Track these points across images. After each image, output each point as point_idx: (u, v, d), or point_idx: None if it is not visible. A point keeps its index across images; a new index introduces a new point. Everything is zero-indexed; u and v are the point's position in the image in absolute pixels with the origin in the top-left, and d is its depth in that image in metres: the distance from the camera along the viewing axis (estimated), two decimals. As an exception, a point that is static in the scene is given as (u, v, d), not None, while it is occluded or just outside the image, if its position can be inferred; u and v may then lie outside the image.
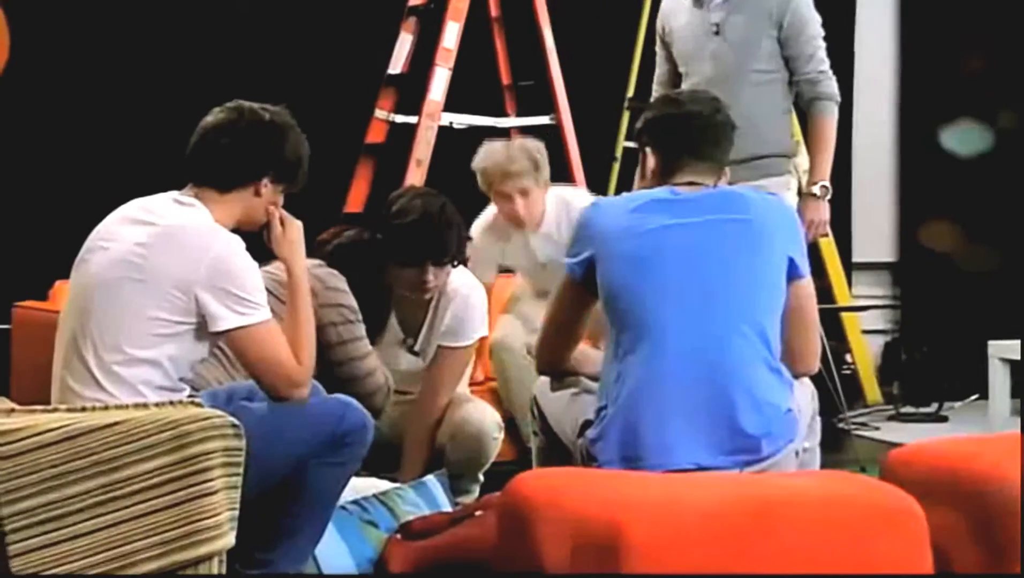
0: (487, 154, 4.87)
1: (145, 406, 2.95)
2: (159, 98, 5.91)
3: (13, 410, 2.90)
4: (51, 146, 5.92)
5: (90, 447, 2.77)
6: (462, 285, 4.21)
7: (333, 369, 3.84)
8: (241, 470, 2.89)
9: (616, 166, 6.91)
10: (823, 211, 4.48)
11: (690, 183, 3.30)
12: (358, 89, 6.26)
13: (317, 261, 3.93)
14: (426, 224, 4.04)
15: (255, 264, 3.16)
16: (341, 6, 6.42)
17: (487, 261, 4.86)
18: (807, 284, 3.32)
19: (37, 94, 5.89)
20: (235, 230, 3.23)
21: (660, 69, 4.80)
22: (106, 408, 2.93)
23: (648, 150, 3.39)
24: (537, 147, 4.86)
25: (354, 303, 3.91)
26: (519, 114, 6.51)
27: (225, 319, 3.09)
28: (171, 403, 2.96)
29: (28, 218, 5.80)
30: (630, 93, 6.94)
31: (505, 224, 4.88)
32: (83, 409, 2.91)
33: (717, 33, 4.52)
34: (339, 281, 3.90)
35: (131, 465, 2.79)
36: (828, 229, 4.66)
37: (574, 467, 3.26)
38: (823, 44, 4.54)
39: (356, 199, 6.19)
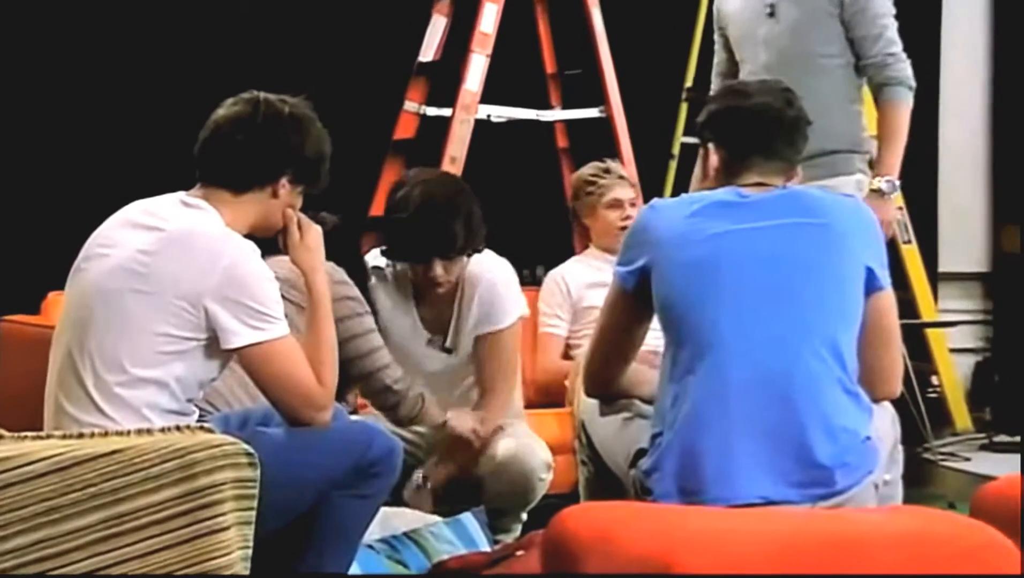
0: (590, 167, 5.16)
1: (149, 432, 2.95)
2: (164, 90, 5.93)
3: (1, 437, 2.91)
4: (43, 145, 5.95)
5: (87, 478, 2.77)
6: (483, 270, 4.24)
7: (346, 367, 3.86)
8: (255, 503, 2.89)
9: (673, 164, 6.91)
10: (889, 209, 4.45)
11: (757, 184, 3.30)
12: (385, 79, 6.28)
13: None
14: (427, 216, 4.07)
15: (271, 273, 3.17)
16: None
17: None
18: (887, 296, 3.30)
19: (27, 89, 5.92)
20: (249, 236, 3.24)
21: (718, 57, 4.82)
22: (105, 434, 2.94)
23: (710, 147, 3.39)
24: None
25: (358, 294, 3.91)
26: (565, 106, 6.52)
27: (239, 334, 3.09)
28: (178, 428, 2.96)
29: (18, 223, 5.82)
30: (689, 83, 6.94)
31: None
32: (80, 435, 2.92)
33: (771, 15, 4.54)
34: (342, 273, 3.91)
35: (133, 498, 2.79)
36: (907, 232, 4.63)
37: (626, 501, 3.24)
38: (893, 23, 4.52)
39: (383, 201, 6.19)
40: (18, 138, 5.92)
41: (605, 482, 3.43)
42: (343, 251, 3.99)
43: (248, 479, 2.88)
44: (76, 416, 3.09)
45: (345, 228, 4.09)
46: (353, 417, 3.87)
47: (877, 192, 4.44)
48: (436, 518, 3.90)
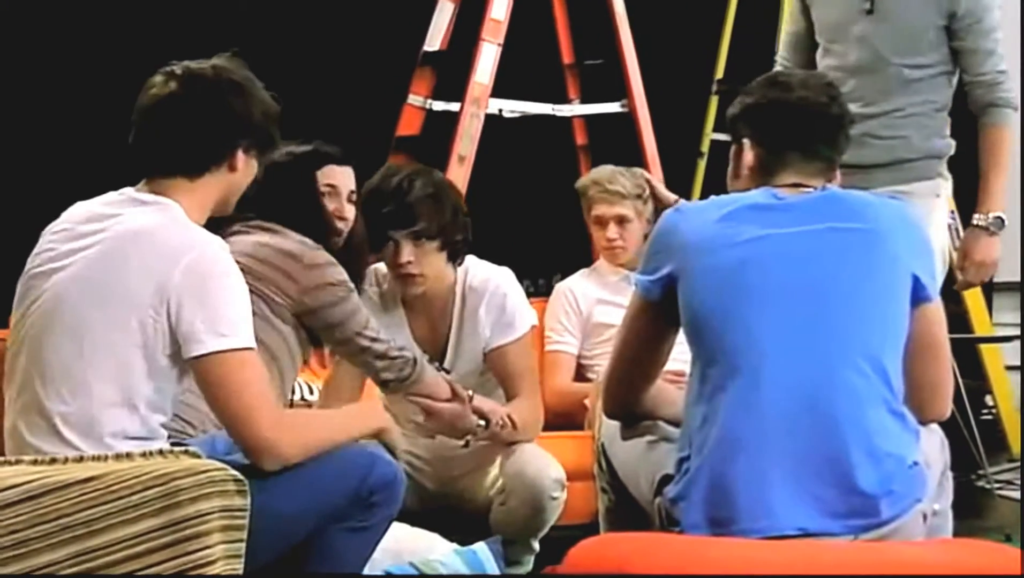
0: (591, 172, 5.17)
1: (128, 456, 2.94)
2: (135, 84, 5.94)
3: (-33, 463, 2.91)
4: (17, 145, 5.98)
5: (60, 508, 2.77)
6: (485, 280, 4.28)
7: (342, 349, 3.94)
8: (245, 535, 2.89)
9: (702, 163, 6.91)
10: (993, 250, 4.39)
11: (795, 185, 3.29)
12: (387, 70, 6.28)
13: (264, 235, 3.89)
14: (383, 190, 4.16)
15: (239, 273, 3.14)
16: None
17: None
18: (936, 309, 3.29)
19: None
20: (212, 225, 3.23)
21: (791, 27, 4.75)
22: (80, 459, 2.93)
23: (745, 143, 3.38)
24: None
25: (341, 275, 3.88)
26: (584, 100, 6.52)
27: (202, 342, 3.05)
28: (160, 453, 2.95)
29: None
30: (719, 75, 6.94)
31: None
32: (52, 461, 2.92)
33: (870, 12, 4.47)
34: (318, 254, 3.87)
35: (111, 529, 2.79)
36: (959, 239, 4.58)
37: (650, 532, 3.24)
38: (1001, 36, 4.44)
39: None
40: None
41: (627, 512, 3.43)
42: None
43: (237, 508, 2.88)
44: (40, 447, 3.07)
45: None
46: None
47: (981, 229, 4.39)
48: (449, 545, 3.90)
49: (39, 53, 6.04)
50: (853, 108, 4.28)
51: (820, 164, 3.33)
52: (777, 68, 4.72)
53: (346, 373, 4.24)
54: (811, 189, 3.29)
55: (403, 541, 3.83)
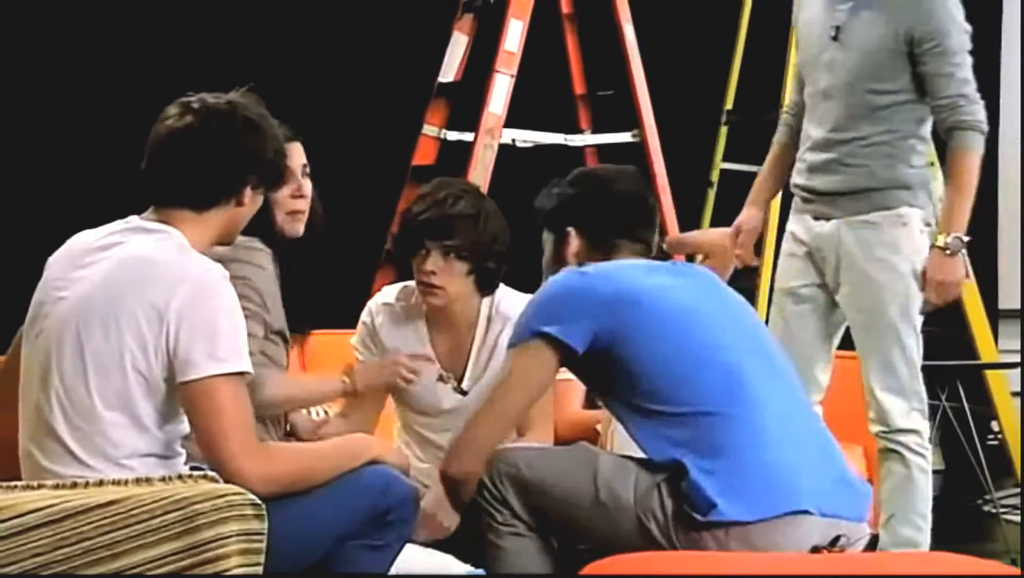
0: None
1: (148, 481, 2.94)
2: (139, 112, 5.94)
3: (-10, 486, 2.90)
4: (25, 171, 5.98)
5: (81, 531, 2.76)
6: (510, 306, 4.22)
7: None
8: (263, 558, 2.88)
9: (712, 192, 6.90)
10: (952, 270, 4.34)
11: None
12: (403, 101, 6.28)
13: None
14: (430, 197, 4.13)
15: (237, 301, 3.13)
16: (382, 1, 6.45)
17: None
18: None
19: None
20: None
21: (795, 98, 4.73)
22: (100, 483, 2.93)
23: (571, 231, 3.61)
24: None
25: (264, 288, 3.76)
26: (596, 130, 6.52)
27: (197, 366, 3.04)
28: (179, 477, 2.95)
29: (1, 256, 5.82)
30: (729, 106, 6.93)
31: None
32: (73, 485, 2.91)
33: (835, 38, 4.44)
34: (258, 256, 3.77)
35: (131, 552, 2.78)
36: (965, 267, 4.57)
37: (657, 552, 3.22)
38: (968, 60, 4.38)
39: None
40: None
41: (540, 540, 3.37)
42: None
43: (255, 532, 2.87)
44: (57, 471, 3.06)
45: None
46: None
47: (941, 249, 4.33)
48: (463, 566, 3.88)
49: (50, 76, 6.05)
50: (822, 133, 4.45)
51: (648, 247, 3.60)
52: (793, 95, 4.71)
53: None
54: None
55: (417, 562, 3.81)
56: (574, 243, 3.59)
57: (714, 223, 6.54)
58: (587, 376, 3.48)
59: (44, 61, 6.09)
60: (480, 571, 3.78)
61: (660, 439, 3.27)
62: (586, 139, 6.47)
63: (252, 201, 3.28)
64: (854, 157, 4.41)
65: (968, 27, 4.38)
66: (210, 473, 2.99)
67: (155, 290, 3.06)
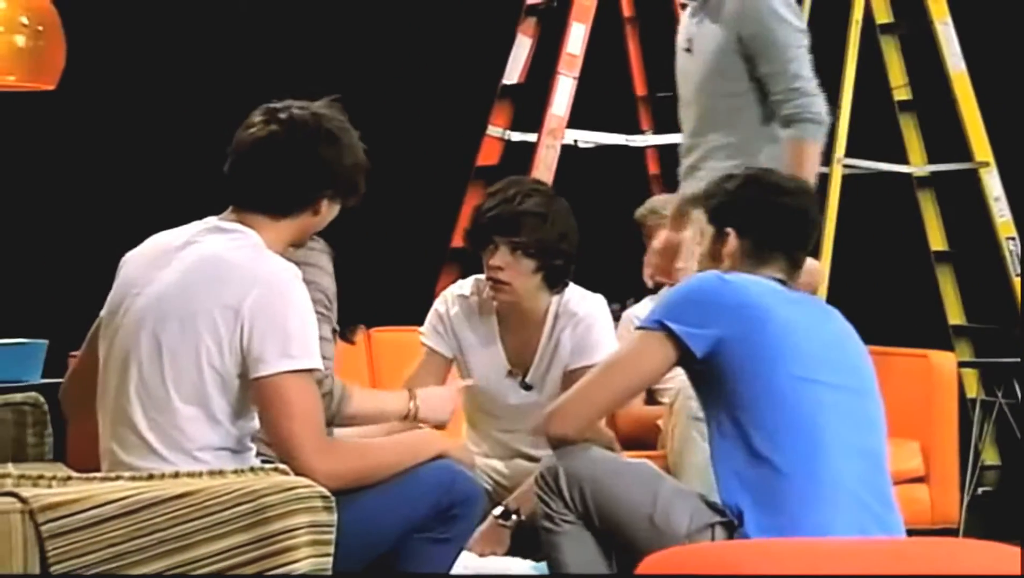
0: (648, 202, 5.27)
1: (221, 473, 2.95)
2: (219, 115, 5.98)
3: (70, 478, 2.92)
4: (106, 170, 6.03)
5: (156, 522, 2.77)
6: (578, 305, 4.23)
7: None
8: (331, 549, 2.88)
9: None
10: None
11: (780, 281, 3.47)
12: (468, 102, 6.30)
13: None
14: (500, 194, 4.15)
15: (309, 301, 3.15)
16: (448, 5, 6.46)
17: None
18: None
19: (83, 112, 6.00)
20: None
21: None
22: (176, 475, 2.94)
23: (730, 231, 3.51)
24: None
25: (329, 289, 3.77)
26: (657, 131, 6.51)
27: (268, 363, 3.07)
28: (251, 470, 2.96)
29: (81, 254, 5.88)
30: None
31: None
32: (149, 477, 2.92)
33: (689, 50, 4.58)
34: (321, 258, 3.79)
35: (203, 544, 2.78)
36: (1016, 263, 4.57)
37: (719, 542, 3.23)
38: (801, 55, 4.47)
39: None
40: (80, 169, 5.99)
41: (590, 537, 3.38)
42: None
43: (324, 524, 2.87)
44: (134, 463, 3.10)
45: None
46: None
47: None
48: (526, 562, 3.89)
49: (131, 80, 6.10)
50: (685, 140, 4.58)
51: (796, 267, 3.51)
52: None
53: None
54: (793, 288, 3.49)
55: (479, 562, 3.83)
56: (731, 244, 3.50)
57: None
58: (698, 380, 3.42)
59: (126, 66, 6.15)
60: (542, 567, 3.79)
61: (733, 477, 3.26)
62: (647, 139, 6.46)
63: (328, 210, 3.29)
64: (715, 160, 4.49)
65: (801, 25, 4.51)
66: (281, 466, 3.01)
67: (231, 289, 3.09)
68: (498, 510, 4.03)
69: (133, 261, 3.27)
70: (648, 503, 3.29)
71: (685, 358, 3.33)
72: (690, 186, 4.50)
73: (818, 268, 4.45)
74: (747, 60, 4.46)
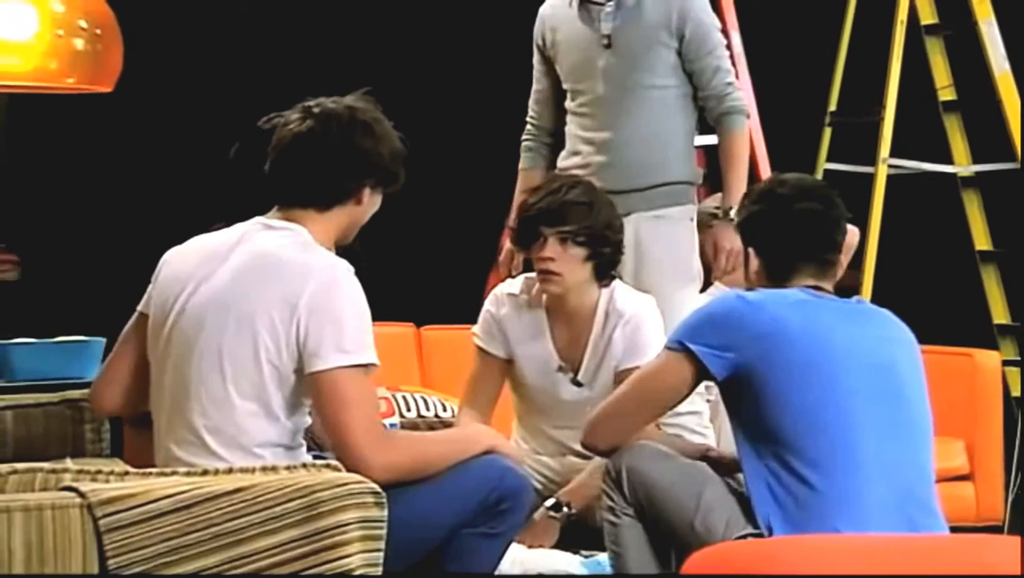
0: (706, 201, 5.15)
1: (274, 469, 2.96)
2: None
3: (127, 473, 2.93)
4: (162, 170, 6.06)
5: (210, 517, 2.78)
6: (629, 304, 4.23)
7: None
8: (383, 545, 2.88)
9: (816, 192, 6.83)
10: (737, 237, 4.45)
11: (815, 287, 3.43)
12: (516, 102, 6.29)
13: None
14: (544, 189, 4.19)
15: (363, 296, 3.16)
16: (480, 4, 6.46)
17: None
18: None
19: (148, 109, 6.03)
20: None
21: (538, 85, 4.90)
22: (229, 471, 2.95)
23: (751, 251, 3.52)
24: None
25: None
26: (703, 132, 6.46)
27: (323, 358, 3.09)
28: (303, 466, 2.97)
29: (137, 253, 5.89)
30: (832, 107, 6.87)
31: None
32: (203, 473, 2.94)
33: (608, 46, 4.63)
34: None
35: (256, 538, 2.79)
36: None
37: (763, 538, 3.22)
38: (726, 53, 4.69)
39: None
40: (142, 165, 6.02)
41: (646, 530, 3.43)
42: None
43: (375, 519, 2.88)
44: (190, 461, 3.12)
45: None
46: None
47: (729, 221, 4.48)
48: (574, 557, 3.89)
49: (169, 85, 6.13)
50: (606, 135, 4.63)
51: (828, 268, 3.46)
52: (528, 124, 4.94)
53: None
54: (830, 292, 3.44)
55: (530, 554, 3.83)
56: (754, 264, 3.52)
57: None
58: (725, 397, 3.42)
59: (179, 68, 6.18)
60: (591, 562, 3.79)
61: (766, 492, 3.26)
62: (696, 140, 6.42)
63: (370, 200, 3.32)
64: (644, 154, 4.64)
65: (719, 24, 4.74)
66: (332, 462, 3.02)
67: (286, 285, 3.12)
68: (550, 502, 4.04)
69: (179, 258, 3.29)
70: (691, 508, 3.33)
71: (709, 378, 3.36)
72: (616, 181, 4.56)
73: (852, 230, 4.46)
74: (680, 56, 4.63)
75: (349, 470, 3.01)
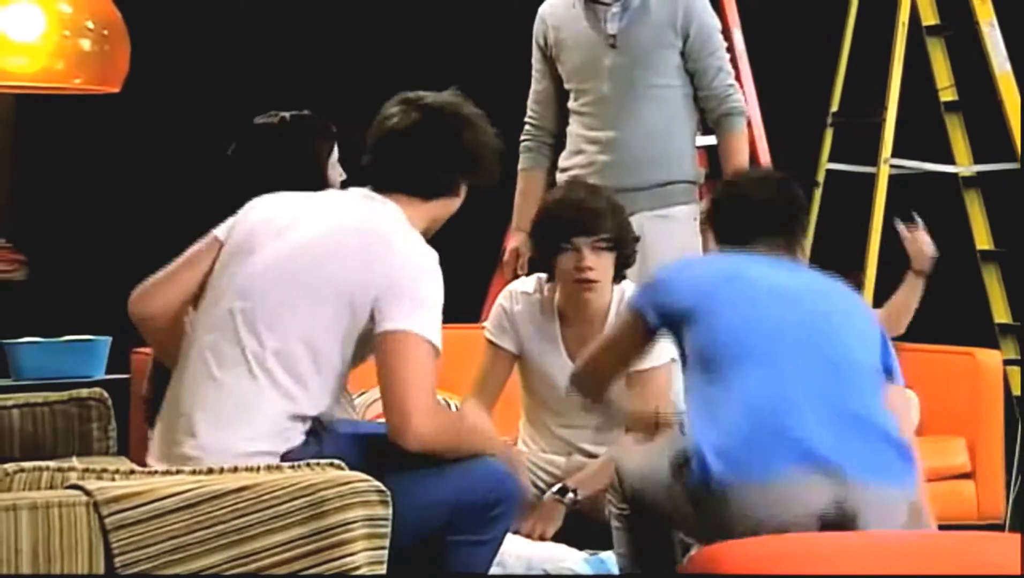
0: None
1: (279, 468, 2.97)
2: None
3: (132, 472, 2.94)
4: (169, 172, 6.06)
5: (215, 515, 2.79)
6: None
7: None
8: (387, 542, 2.89)
9: (818, 192, 6.84)
10: None
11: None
12: (518, 105, 6.29)
13: None
14: (569, 199, 4.20)
15: (442, 285, 3.21)
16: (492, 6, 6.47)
17: None
18: None
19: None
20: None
21: (538, 86, 4.91)
22: (235, 470, 2.96)
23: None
24: None
25: None
26: (703, 132, 6.46)
27: (396, 320, 3.13)
28: (308, 465, 2.97)
29: (143, 253, 5.89)
30: (834, 107, 6.86)
31: None
32: (209, 471, 2.95)
33: (614, 46, 4.65)
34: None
35: (261, 536, 2.81)
36: None
37: (772, 536, 3.22)
38: (727, 55, 4.75)
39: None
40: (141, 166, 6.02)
41: (647, 525, 3.47)
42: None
43: (379, 517, 2.89)
44: (223, 378, 3.18)
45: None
46: None
47: None
48: (579, 554, 3.88)
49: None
50: (611, 134, 4.68)
51: (778, 250, 3.53)
52: (528, 124, 4.95)
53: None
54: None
55: (535, 549, 3.83)
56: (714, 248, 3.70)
57: (820, 222, 6.50)
58: (676, 344, 3.52)
59: (186, 69, 6.19)
60: (596, 561, 3.79)
61: (695, 411, 3.33)
62: (698, 140, 6.42)
63: (463, 191, 3.39)
64: (650, 152, 4.71)
65: (720, 26, 4.80)
66: (336, 461, 3.02)
67: (371, 253, 3.19)
68: (556, 486, 4.06)
69: (270, 203, 3.34)
70: (665, 473, 3.34)
71: (650, 329, 3.49)
72: (623, 180, 4.60)
73: (912, 401, 4.66)
74: (683, 56, 4.69)
75: (397, 434, 3.11)
